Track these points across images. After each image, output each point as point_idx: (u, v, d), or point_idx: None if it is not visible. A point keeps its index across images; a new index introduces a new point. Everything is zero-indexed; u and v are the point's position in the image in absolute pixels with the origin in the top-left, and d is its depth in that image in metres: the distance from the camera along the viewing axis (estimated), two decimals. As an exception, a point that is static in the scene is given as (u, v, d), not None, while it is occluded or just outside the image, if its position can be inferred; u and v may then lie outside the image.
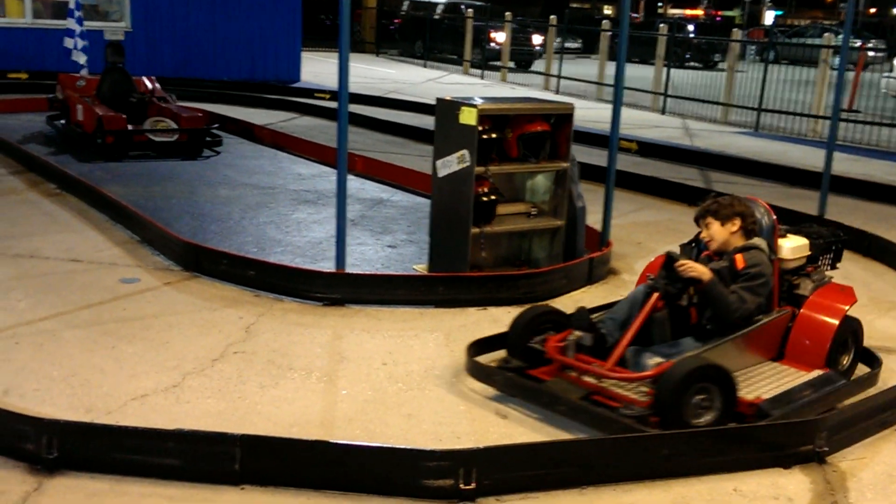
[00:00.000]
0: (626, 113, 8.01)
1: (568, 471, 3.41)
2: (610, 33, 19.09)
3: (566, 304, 5.55)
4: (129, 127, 9.39)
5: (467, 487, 3.26)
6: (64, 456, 3.31)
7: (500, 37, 22.98)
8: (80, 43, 11.41)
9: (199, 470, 3.30)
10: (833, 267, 4.85)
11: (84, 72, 10.96)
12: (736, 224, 4.28)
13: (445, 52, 25.45)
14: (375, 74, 21.03)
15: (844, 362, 4.51)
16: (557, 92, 19.34)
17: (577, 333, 4.10)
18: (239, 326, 4.87)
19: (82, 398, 3.90)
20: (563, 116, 5.89)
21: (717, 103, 15.87)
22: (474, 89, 19.16)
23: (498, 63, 22.51)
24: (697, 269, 4.09)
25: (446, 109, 5.58)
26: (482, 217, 5.64)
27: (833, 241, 4.80)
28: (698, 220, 4.40)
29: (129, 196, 7.36)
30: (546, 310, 4.51)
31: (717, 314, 4.14)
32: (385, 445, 3.42)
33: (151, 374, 4.18)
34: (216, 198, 7.93)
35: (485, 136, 5.50)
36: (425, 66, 24.57)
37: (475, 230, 5.61)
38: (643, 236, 7.34)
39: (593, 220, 6.48)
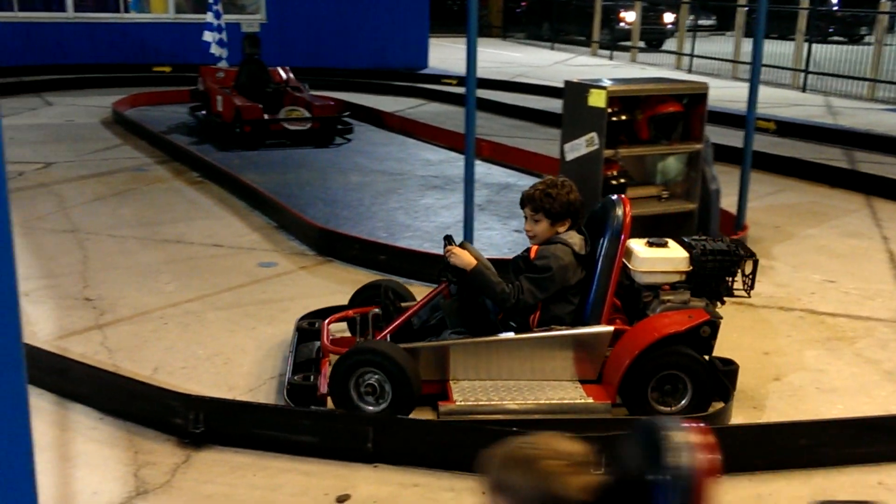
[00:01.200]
0: (763, 91, 7.68)
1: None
2: (746, 8, 18.33)
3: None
4: (266, 116, 9.74)
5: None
6: (210, 430, 3.49)
7: (629, 16, 22.46)
8: (219, 36, 11.91)
9: (333, 447, 3.41)
10: (748, 292, 4.00)
11: (223, 64, 11.45)
12: (566, 225, 3.86)
13: (573, 34, 25.09)
14: (502, 58, 20.97)
15: (669, 401, 3.69)
16: (690, 71, 18.75)
17: (376, 310, 4.00)
18: (370, 309, 4.97)
19: (225, 376, 4.09)
20: (696, 96, 5.71)
21: (864, 79, 14.99)
22: (603, 71, 18.83)
23: (627, 43, 22.01)
24: (461, 258, 3.78)
25: (574, 92, 5.51)
26: (611, 200, 5.53)
27: (732, 260, 3.88)
28: (523, 206, 3.92)
29: (265, 183, 7.65)
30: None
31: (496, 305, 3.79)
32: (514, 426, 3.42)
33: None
34: (348, 184, 8.13)
35: (614, 119, 5.40)
36: (552, 48, 24.32)
37: (604, 214, 5.51)
38: (782, 220, 7.04)
39: (728, 202, 6.27)
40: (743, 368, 4.18)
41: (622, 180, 5.56)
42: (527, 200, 3.88)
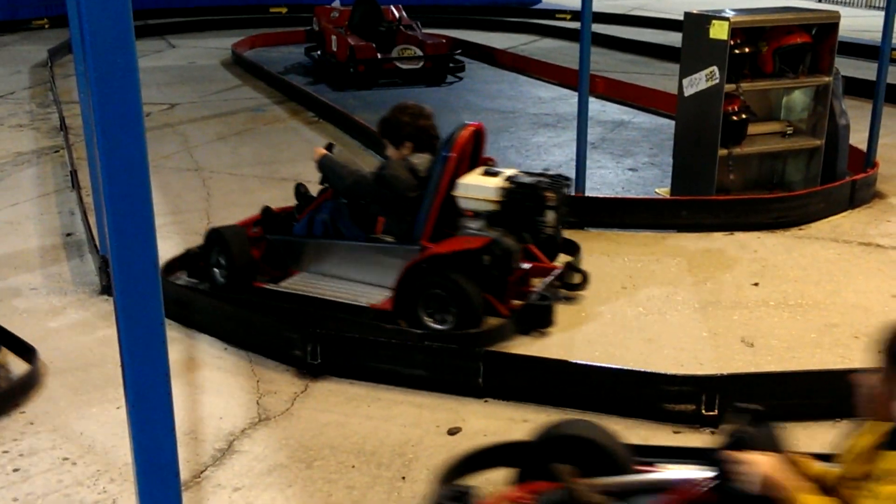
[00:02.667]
0: (901, 19, 7.17)
1: (821, 402, 3.24)
2: (884, -70, 17.08)
3: (824, 229, 5.19)
4: (379, 55, 9.79)
5: (710, 413, 3.19)
6: (326, 362, 3.61)
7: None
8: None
9: (445, 381, 3.48)
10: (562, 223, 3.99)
11: (337, 3, 11.52)
12: (409, 148, 4.08)
13: (693, -36, 24.01)
14: (618, -9, 20.29)
15: (439, 318, 3.85)
16: (820, 0, 17.69)
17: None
18: (481, 247, 5.00)
19: (340, 310, 4.20)
20: (826, 26, 5.40)
21: None
22: (725, 1, 17.98)
23: (752, -28, 20.92)
24: (314, 153, 4.23)
25: (695, 24, 5.30)
26: (731, 137, 5.35)
27: (534, 196, 3.86)
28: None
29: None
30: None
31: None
32: (626, 367, 3.41)
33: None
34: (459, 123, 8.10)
35: (737, 51, 5.18)
36: (671, -21, 23.34)
37: (723, 151, 5.34)
38: (916, 157, 6.64)
39: (858, 139, 5.95)
40: (868, 311, 4.01)
41: (744, 115, 5.34)
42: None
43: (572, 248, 4.60)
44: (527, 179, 3.98)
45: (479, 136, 4.20)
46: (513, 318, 3.89)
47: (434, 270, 3.84)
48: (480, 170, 4.12)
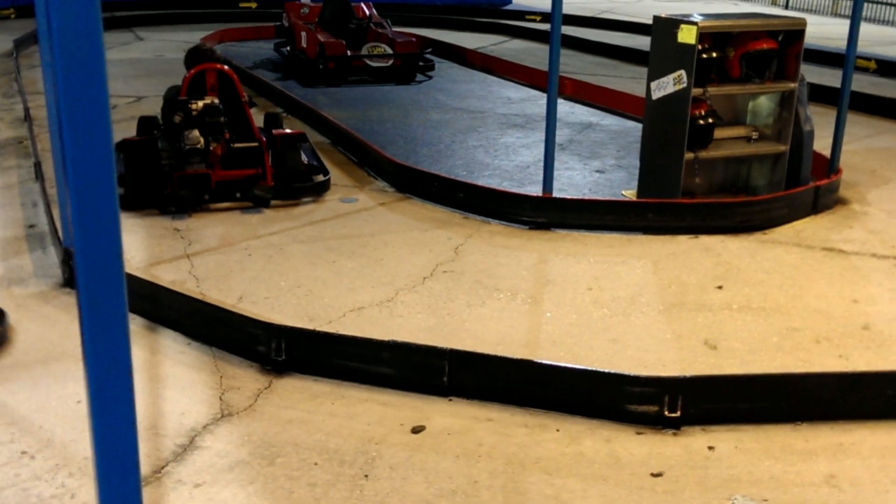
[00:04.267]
0: (865, 28, 7.30)
1: (782, 405, 3.29)
2: (850, -59, 17.37)
3: (787, 234, 5.27)
4: (349, 53, 9.75)
5: (672, 415, 3.23)
6: (291, 359, 3.60)
7: (723, -50, 21.52)
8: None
9: (410, 380, 3.48)
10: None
11: (307, 0, 11.46)
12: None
13: (663, -31, 24.21)
14: (588, -6, 20.41)
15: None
16: (787, 7, 17.95)
17: None
18: (448, 247, 5.01)
19: (306, 307, 4.20)
20: (792, 33, 5.48)
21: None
22: (694, 6, 18.17)
23: (720, -22, 21.13)
24: None
25: (664, 28, 5.35)
26: (698, 141, 5.41)
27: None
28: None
29: (347, 119, 7.70)
30: None
31: None
32: (590, 368, 3.44)
33: (367, 289, 4.42)
34: (427, 122, 8.12)
35: (704, 56, 5.24)
36: (641, -16, 23.54)
37: (689, 155, 5.40)
38: (878, 163, 6.76)
39: (822, 145, 6.05)
40: (830, 316, 4.08)
41: (710, 119, 5.41)
42: None
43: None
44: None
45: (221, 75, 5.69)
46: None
47: None
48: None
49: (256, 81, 9.34)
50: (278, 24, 11.40)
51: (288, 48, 10.83)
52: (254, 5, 15.51)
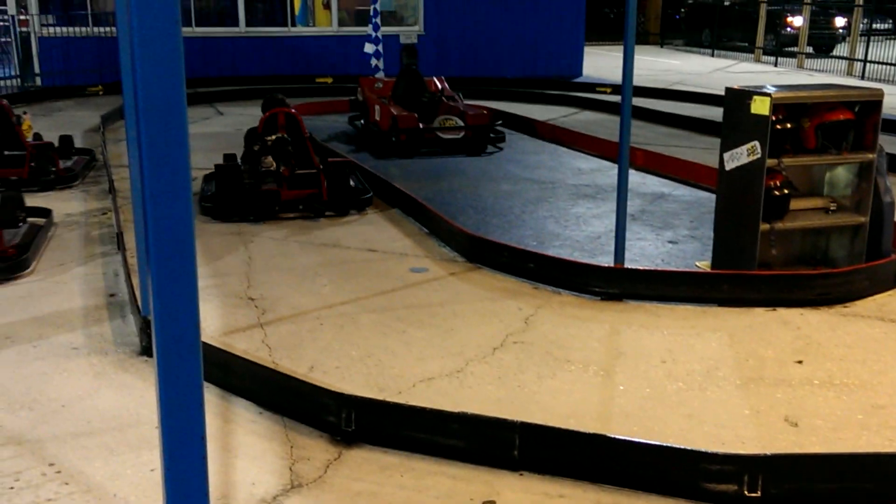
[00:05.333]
0: (945, 97, 7.14)
1: (867, 486, 3.13)
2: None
3: (869, 307, 5.09)
4: (421, 125, 9.94)
5: (752, 495, 3.10)
6: (360, 430, 3.59)
7: (797, 21, 21.47)
8: (376, 48, 12.28)
9: (480, 452, 3.43)
10: None
11: (381, 74, 11.78)
12: None
13: (735, 40, 24.24)
14: (659, 66, 20.52)
15: None
16: (863, 77, 17.71)
17: None
18: (518, 317, 4.98)
19: (376, 378, 4.20)
20: (869, 104, 5.39)
21: None
22: (767, 77, 18.07)
23: (794, 49, 21.04)
24: None
25: (736, 99, 5.32)
26: (773, 212, 5.31)
27: None
28: None
29: (419, 190, 7.80)
30: None
31: None
32: (665, 444, 3.34)
33: (437, 359, 4.41)
34: (498, 192, 8.17)
35: (778, 127, 5.18)
36: (713, 55, 23.57)
37: (765, 226, 5.30)
38: (964, 235, 6.51)
39: (903, 216, 5.87)
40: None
41: (786, 190, 5.31)
42: None
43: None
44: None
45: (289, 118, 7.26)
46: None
47: None
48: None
49: (330, 154, 9.56)
50: (353, 98, 11.71)
51: (362, 121, 11.09)
52: (329, 80, 15.99)
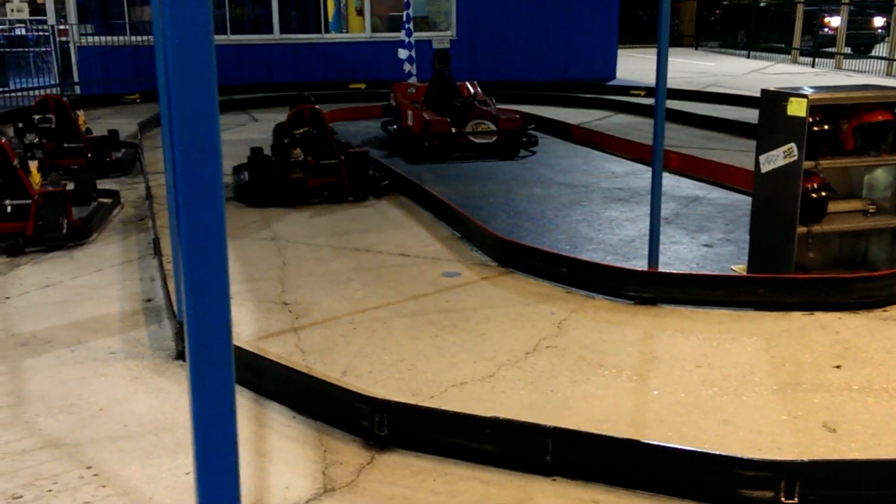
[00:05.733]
0: None
1: (909, 496, 3.07)
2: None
3: (909, 312, 5.00)
4: (453, 130, 9.95)
5: (790, 502, 3.05)
6: (393, 434, 3.59)
7: (834, 21, 21.17)
8: (410, 53, 12.33)
9: (512, 458, 3.42)
10: None
11: (414, 79, 11.81)
12: None
13: (771, 41, 23.97)
14: (694, 68, 20.34)
15: None
16: (902, 77, 17.42)
17: None
18: (551, 321, 4.96)
19: (409, 382, 4.20)
20: (909, 103, 5.29)
21: None
22: (804, 78, 17.84)
23: (831, 49, 20.75)
24: None
25: (772, 100, 5.25)
26: (810, 215, 5.24)
27: None
28: None
29: (451, 195, 7.81)
30: None
31: None
32: (701, 450, 3.30)
33: (469, 364, 4.40)
34: (531, 196, 8.15)
35: (815, 128, 5.11)
36: (748, 56, 23.32)
37: (802, 229, 5.22)
38: None
39: (945, 218, 5.76)
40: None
41: (823, 193, 5.24)
42: None
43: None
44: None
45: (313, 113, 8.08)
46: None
47: None
48: None
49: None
50: (386, 103, 11.76)
51: (395, 126, 11.12)
52: (363, 86, 16.07)
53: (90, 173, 8.12)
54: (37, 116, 8.84)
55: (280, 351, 4.56)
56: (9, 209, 6.43)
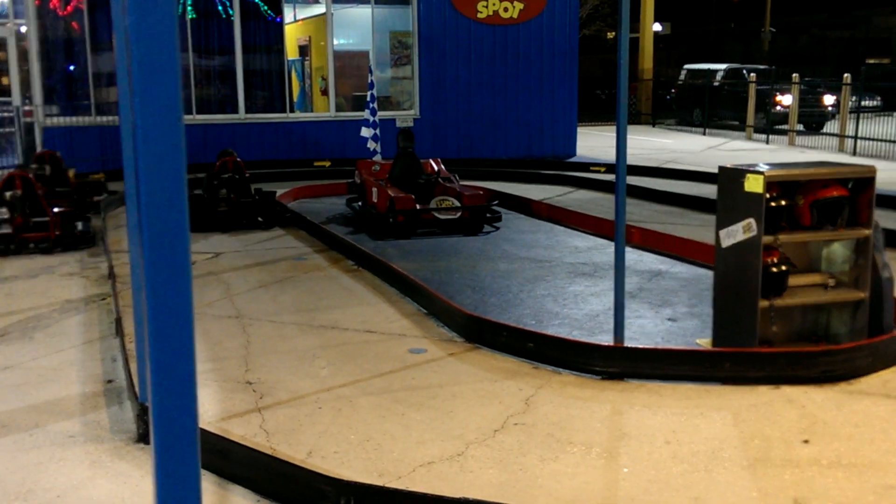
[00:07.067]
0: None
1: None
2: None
3: (874, 384, 5.05)
4: (417, 206, 10.03)
5: (763, 581, 3.01)
6: (360, 517, 3.51)
7: (786, 99, 21.91)
8: (374, 132, 12.49)
9: (482, 540, 3.35)
10: None
11: (378, 157, 11.93)
12: None
13: (726, 119, 24.71)
14: (652, 145, 20.84)
15: None
16: (854, 154, 17.98)
17: None
18: (519, 398, 4.93)
19: (375, 462, 4.13)
20: (862, 180, 5.45)
21: None
22: (759, 155, 18.34)
23: (784, 127, 21.42)
24: None
25: (729, 177, 5.38)
26: (772, 289, 5.32)
27: None
28: None
29: (416, 271, 7.82)
30: None
31: None
32: (671, 529, 3.26)
33: (437, 442, 4.35)
34: (495, 271, 8.20)
35: (773, 204, 5.23)
36: (704, 133, 23.98)
37: (764, 303, 5.30)
38: (964, 309, 6.50)
39: (901, 291, 5.88)
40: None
41: (783, 267, 5.33)
42: None
43: None
44: None
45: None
46: None
47: None
48: None
49: (328, 236, 9.62)
50: (350, 181, 11.85)
51: (359, 203, 11.19)
52: (328, 164, 16.20)
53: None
54: (8, 193, 9.16)
55: (244, 432, 4.47)
56: (33, 224, 9.18)
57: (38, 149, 15.21)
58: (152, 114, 1.45)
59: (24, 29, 15.28)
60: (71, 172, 11.41)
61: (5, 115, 15.31)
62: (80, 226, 9.47)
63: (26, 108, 15.16)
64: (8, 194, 9.08)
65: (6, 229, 8.93)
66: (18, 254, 9.02)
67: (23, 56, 15.50)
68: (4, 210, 8.99)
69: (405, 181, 10.59)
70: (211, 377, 5.29)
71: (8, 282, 7.85)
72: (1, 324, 6.49)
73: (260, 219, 10.65)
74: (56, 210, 9.44)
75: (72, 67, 16.11)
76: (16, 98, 15.27)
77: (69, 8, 15.68)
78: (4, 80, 16.00)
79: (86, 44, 15.70)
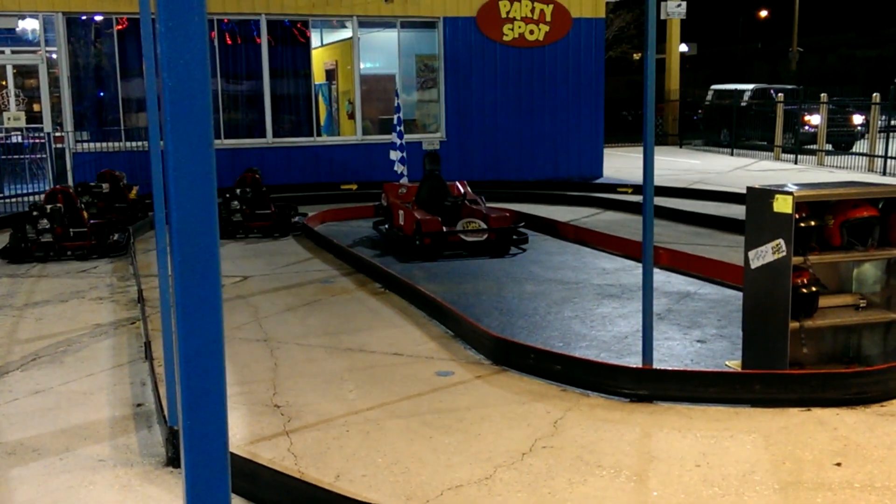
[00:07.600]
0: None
1: None
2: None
3: (906, 406, 4.97)
4: (444, 229, 10.06)
5: None
6: (388, 540, 3.50)
7: (815, 119, 21.76)
8: (401, 154, 12.57)
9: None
10: None
11: (404, 180, 11.99)
12: None
13: (753, 139, 24.56)
14: (679, 166, 20.76)
15: None
16: (884, 174, 17.79)
17: None
18: (547, 421, 4.91)
19: (403, 486, 4.12)
20: (893, 200, 5.40)
21: None
22: (788, 175, 18.20)
23: (813, 146, 21.25)
24: None
25: (758, 198, 5.35)
26: (802, 310, 5.26)
27: None
28: None
29: (443, 293, 7.83)
30: None
31: None
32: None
33: (465, 465, 4.33)
34: (523, 293, 8.18)
35: (802, 224, 5.19)
36: (732, 154, 23.85)
37: (795, 324, 5.24)
38: None
39: (935, 311, 5.79)
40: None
41: (814, 288, 5.28)
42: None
43: None
44: None
45: None
46: None
47: None
48: None
49: (355, 259, 9.66)
50: (377, 203, 11.92)
51: (386, 226, 11.24)
52: (354, 187, 16.29)
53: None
54: (49, 206, 10.25)
55: (272, 455, 4.48)
56: (72, 234, 10.22)
57: (69, 174, 15.49)
58: (184, 141, 1.48)
59: (54, 56, 15.57)
60: (133, 191, 12.80)
61: (36, 140, 15.60)
62: (115, 236, 10.55)
63: (57, 133, 15.43)
64: (49, 207, 10.23)
65: (47, 238, 10.11)
66: (58, 260, 10.13)
67: (53, 83, 15.79)
68: (45, 221, 10.09)
69: (432, 204, 10.62)
70: (239, 400, 5.31)
71: (38, 306, 7.96)
72: (32, 348, 6.58)
73: (276, 234, 11.69)
74: (92, 222, 10.58)
75: (102, 93, 16.38)
76: (47, 124, 15.55)
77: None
78: (36, 107, 16.29)
79: (115, 70, 15.96)
